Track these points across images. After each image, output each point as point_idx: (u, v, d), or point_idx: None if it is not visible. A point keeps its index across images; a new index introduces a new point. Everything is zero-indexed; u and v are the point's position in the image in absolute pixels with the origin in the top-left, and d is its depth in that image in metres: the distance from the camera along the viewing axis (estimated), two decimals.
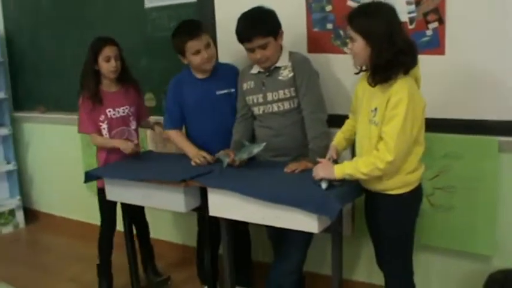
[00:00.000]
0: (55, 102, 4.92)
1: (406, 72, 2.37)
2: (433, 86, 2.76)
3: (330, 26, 3.19)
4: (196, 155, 3.23)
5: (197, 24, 3.31)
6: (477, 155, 2.90)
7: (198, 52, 3.22)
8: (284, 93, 3.05)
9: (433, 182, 3.03)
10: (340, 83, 3.22)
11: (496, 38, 2.74)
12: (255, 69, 3.13)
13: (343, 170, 2.51)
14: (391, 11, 2.40)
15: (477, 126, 2.87)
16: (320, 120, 3.04)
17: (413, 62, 2.39)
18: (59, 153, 5.04)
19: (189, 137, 3.45)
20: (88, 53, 3.46)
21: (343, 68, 3.15)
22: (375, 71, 2.41)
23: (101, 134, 3.54)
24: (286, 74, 3.04)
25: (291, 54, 3.07)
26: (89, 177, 3.40)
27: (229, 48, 3.50)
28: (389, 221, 2.58)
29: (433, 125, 2.70)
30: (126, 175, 3.21)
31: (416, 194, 2.58)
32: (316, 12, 3.21)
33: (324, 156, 2.76)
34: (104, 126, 3.54)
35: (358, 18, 2.43)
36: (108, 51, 3.43)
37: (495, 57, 2.76)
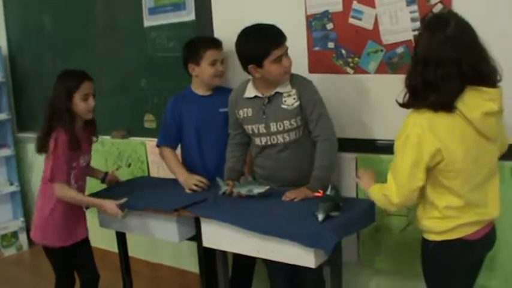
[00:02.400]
0: None
1: (435, 109, 2.05)
2: None
3: (331, 44, 3.04)
4: (187, 180, 3.13)
5: (218, 39, 3.28)
6: None
7: (214, 63, 3.15)
8: (290, 124, 2.85)
9: None
10: (342, 104, 3.07)
11: (504, 59, 2.56)
12: (251, 93, 2.91)
13: (372, 190, 2.36)
14: (449, 33, 2.01)
15: None
16: (334, 149, 2.87)
17: (441, 104, 2.03)
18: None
19: (188, 156, 3.36)
20: (58, 88, 3.00)
21: (346, 88, 3.04)
22: (406, 90, 2.14)
23: None
24: (291, 102, 2.84)
25: (292, 78, 2.86)
26: None
27: (229, 68, 3.37)
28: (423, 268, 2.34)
29: None
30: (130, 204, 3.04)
31: (448, 249, 2.20)
32: (317, 31, 3.07)
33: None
34: (72, 177, 3.08)
35: (421, 25, 2.20)
36: (87, 88, 3.02)
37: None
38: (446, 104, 2.03)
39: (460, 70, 2.00)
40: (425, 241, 2.26)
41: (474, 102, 2.03)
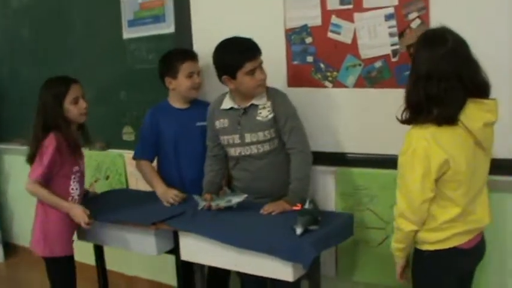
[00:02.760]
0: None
1: (439, 123, 2.07)
2: None
3: (310, 58, 3.05)
4: (164, 193, 3.11)
5: (193, 51, 3.31)
6: None
7: (191, 75, 3.17)
8: (264, 135, 2.89)
9: None
10: (320, 118, 3.08)
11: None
12: (227, 104, 2.95)
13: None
14: (449, 47, 2.06)
15: None
16: (308, 162, 2.91)
17: (445, 117, 2.06)
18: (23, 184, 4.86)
19: (165, 169, 3.35)
20: (46, 97, 2.95)
21: (324, 102, 3.05)
22: (406, 106, 2.15)
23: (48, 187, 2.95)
24: (265, 114, 2.88)
25: (268, 91, 2.91)
26: None
27: (205, 80, 3.37)
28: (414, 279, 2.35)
29: None
30: (96, 217, 3.02)
31: (442, 258, 2.21)
32: (296, 45, 3.08)
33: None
34: (75, 181, 3.04)
35: (416, 42, 2.19)
36: (75, 91, 2.98)
37: None
38: (450, 117, 2.07)
39: (462, 83, 2.05)
40: (418, 251, 2.27)
41: (475, 114, 2.08)
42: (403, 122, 2.17)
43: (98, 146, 4.20)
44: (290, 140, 2.87)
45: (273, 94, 2.91)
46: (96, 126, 4.10)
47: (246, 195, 2.79)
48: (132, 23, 3.84)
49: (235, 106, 2.92)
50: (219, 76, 2.86)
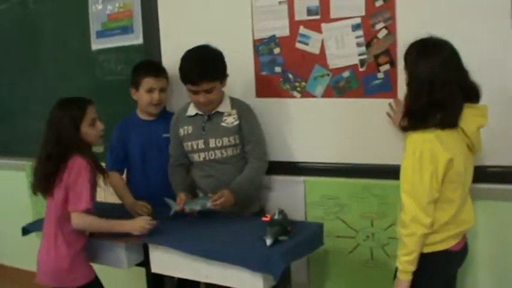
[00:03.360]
0: (4, 147, 4.69)
1: (443, 127, 2.15)
2: (387, 131, 2.72)
3: (278, 69, 3.06)
4: (133, 205, 3.09)
5: (161, 66, 3.32)
6: None
7: (151, 91, 3.16)
8: (229, 141, 2.94)
9: (388, 232, 2.88)
10: (289, 128, 3.09)
11: None
12: (192, 111, 2.99)
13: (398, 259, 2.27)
14: (445, 54, 2.17)
15: None
16: (263, 172, 3.01)
17: (449, 121, 2.16)
18: (7, 201, 4.80)
19: (133, 180, 3.34)
20: (62, 121, 2.73)
21: (293, 112, 3.06)
22: (409, 114, 2.21)
23: None
24: (230, 121, 2.93)
25: (232, 100, 2.98)
26: (28, 230, 3.19)
27: (173, 90, 3.39)
28: None
29: (393, 172, 2.40)
30: None
31: (432, 260, 2.23)
32: (264, 55, 3.09)
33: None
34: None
35: (408, 52, 2.26)
36: (92, 112, 2.81)
37: None
38: (453, 121, 2.17)
39: (461, 88, 2.16)
40: None
41: (470, 118, 2.20)
42: (405, 129, 2.23)
43: None
44: (252, 149, 2.96)
45: (238, 104, 2.98)
46: None
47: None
48: (100, 34, 3.81)
49: (200, 112, 2.96)
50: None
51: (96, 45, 3.85)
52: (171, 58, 3.34)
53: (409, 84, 2.23)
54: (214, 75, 2.83)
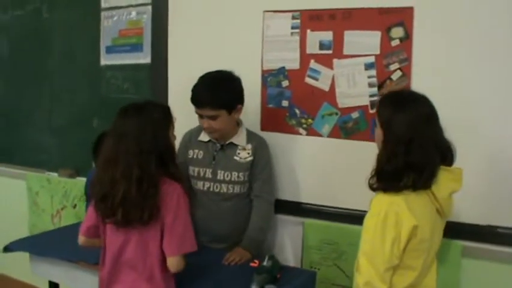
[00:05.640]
0: (7, 154, 4.61)
1: (415, 189, 1.95)
2: None
3: (285, 103, 2.93)
4: None
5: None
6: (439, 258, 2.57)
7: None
8: (238, 176, 2.79)
9: None
10: (292, 166, 2.96)
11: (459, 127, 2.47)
12: (205, 137, 2.85)
13: None
14: (425, 111, 1.98)
15: None
16: (272, 213, 2.90)
17: (422, 183, 1.95)
18: (4, 209, 4.70)
19: None
20: (149, 124, 2.21)
21: (297, 150, 2.93)
22: (380, 174, 2.00)
23: None
24: (244, 156, 2.80)
25: (249, 134, 2.84)
26: (10, 249, 3.06)
27: (180, 111, 3.20)
28: None
29: None
30: (53, 253, 2.88)
31: None
32: (272, 87, 2.95)
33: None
34: None
35: (384, 105, 2.06)
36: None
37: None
38: (427, 184, 1.96)
39: (438, 148, 1.97)
40: None
41: (444, 182, 2.00)
42: (374, 189, 2.02)
43: (63, 173, 4.05)
44: (262, 187, 2.82)
45: (254, 138, 2.85)
46: (67, 151, 4.03)
47: None
48: (110, 50, 3.72)
49: (213, 140, 2.82)
50: None
51: (105, 60, 3.76)
52: (177, 81, 3.24)
53: (384, 141, 2.02)
54: (219, 103, 2.65)
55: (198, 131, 2.90)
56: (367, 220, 2.01)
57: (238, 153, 2.80)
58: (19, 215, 4.46)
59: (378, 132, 2.06)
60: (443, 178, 1.99)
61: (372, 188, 2.03)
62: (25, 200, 4.37)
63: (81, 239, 2.38)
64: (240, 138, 2.81)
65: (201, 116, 2.71)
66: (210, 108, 2.66)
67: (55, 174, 4.13)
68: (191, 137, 2.92)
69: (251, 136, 2.85)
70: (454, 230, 2.51)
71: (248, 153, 2.79)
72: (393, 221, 1.93)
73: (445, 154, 2.02)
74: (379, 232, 1.94)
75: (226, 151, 2.80)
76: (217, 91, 2.67)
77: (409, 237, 1.94)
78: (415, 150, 1.91)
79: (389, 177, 1.97)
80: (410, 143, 1.92)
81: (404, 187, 1.95)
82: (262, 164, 2.81)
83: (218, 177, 2.80)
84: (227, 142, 2.80)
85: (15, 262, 3.71)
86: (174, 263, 2.17)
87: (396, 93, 2.11)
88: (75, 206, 4.05)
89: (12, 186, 4.51)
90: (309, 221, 2.93)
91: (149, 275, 2.21)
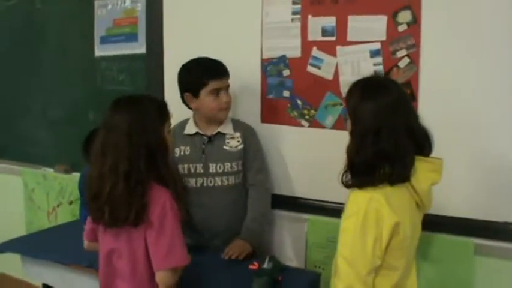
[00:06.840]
0: (1, 149, 4.51)
1: (392, 182, 1.83)
2: None
3: (286, 93, 2.79)
4: None
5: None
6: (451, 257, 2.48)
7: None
8: (231, 167, 2.69)
9: None
10: (294, 159, 2.83)
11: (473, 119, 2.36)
12: (192, 129, 2.72)
13: None
14: (393, 98, 1.84)
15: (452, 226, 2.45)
16: (269, 201, 2.80)
17: (399, 176, 1.83)
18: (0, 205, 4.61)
19: None
20: (146, 115, 2.05)
21: (299, 143, 2.80)
22: (352, 168, 1.88)
23: None
24: (234, 144, 2.70)
25: (235, 122, 2.74)
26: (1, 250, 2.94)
27: (176, 104, 3.07)
28: None
29: None
30: (45, 255, 2.77)
31: None
32: (272, 77, 2.81)
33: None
34: None
35: (352, 93, 1.94)
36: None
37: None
38: (404, 175, 1.83)
39: (412, 136, 1.84)
40: None
41: (423, 173, 1.88)
42: (349, 186, 1.89)
43: (58, 169, 3.95)
44: (256, 176, 2.74)
45: (242, 126, 2.76)
46: (62, 146, 3.91)
47: None
48: (104, 40, 3.59)
49: (201, 132, 2.70)
50: (181, 94, 2.67)
51: (100, 51, 3.63)
52: (173, 72, 3.08)
53: (352, 132, 1.90)
54: (228, 72, 2.66)
55: (181, 126, 2.78)
56: (344, 221, 1.88)
57: (228, 143, 2.70)
58: (16, 212, 4.38)
59: (348, 124, 1.95)
60: (422, 169, 1.87)
61: (347, 185, 1.90)
62: (21, 196, 4.29)
63: (85, 244, 2.29)
64: (226, 127, 2.71)
65: (216, 92, 2.60)
66: (227, 77, 2.64)
67: (51, 170, 4.01)
68: (175, 134, 2.71)
69: (237, 124, 2.75)
70: (465, 227, 2.42)
71: (238, 141, 2.71)
72: (374, 219, 1.80)
73: (421, 143, 1.89)
74: (359, 233, 1.81)
75: (215, 142, 2.70)
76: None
77: (390, 236, 1.81)
78: (383, 140, 1.80)
79: (360, 170, 1.85)
80: (379, 132, 1.80)
81: (379, 180, 1.82)
82: (253, 151, 2.73)
83: (210, 171, 2.69)
84: (214, 132, 2.69)
85: (15, 261, 3.61)
86: (160, 277, 2.00)
87: (363, 80, 1.97)
88: (71, 203, 3.95)
89: (8, 182, 4.43)
90: (313, 217, 2.80)
91: None
